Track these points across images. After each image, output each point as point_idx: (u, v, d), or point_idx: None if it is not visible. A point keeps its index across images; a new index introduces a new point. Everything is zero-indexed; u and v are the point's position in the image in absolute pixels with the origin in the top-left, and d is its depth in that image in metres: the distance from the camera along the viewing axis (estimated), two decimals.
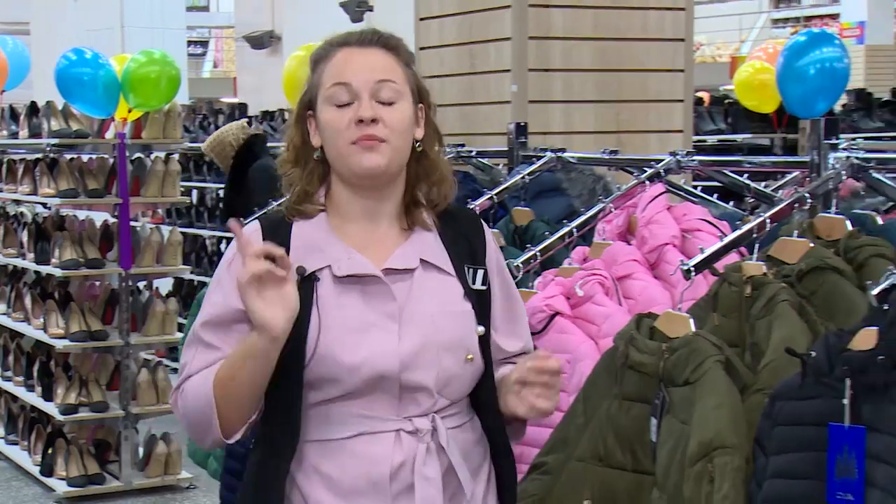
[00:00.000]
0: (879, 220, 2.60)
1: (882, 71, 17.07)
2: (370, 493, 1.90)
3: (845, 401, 1.90)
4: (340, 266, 1.92)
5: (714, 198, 3.43)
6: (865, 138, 6.40)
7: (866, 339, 1.93)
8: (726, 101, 9.10)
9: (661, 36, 4.57)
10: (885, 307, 1.95)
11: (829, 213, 2.54)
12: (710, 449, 2.11)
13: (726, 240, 2.55)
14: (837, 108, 7.17)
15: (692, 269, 2.43)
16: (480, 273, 2.04)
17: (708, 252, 2.49)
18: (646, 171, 3.12)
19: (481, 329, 2.00)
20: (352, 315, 1.91)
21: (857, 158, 2.61)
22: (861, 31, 18.01)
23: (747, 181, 3.19)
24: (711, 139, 8.08)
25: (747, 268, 2.36)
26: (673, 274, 2.67)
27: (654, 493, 2.23)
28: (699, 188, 3.63)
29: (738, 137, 8.15)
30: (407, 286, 1.96)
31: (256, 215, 2.13)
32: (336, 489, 1.91)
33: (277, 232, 1.95)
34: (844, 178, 2.60)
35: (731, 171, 3.32)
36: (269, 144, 6.09)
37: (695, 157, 3.30)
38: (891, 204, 2.77)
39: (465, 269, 2.03)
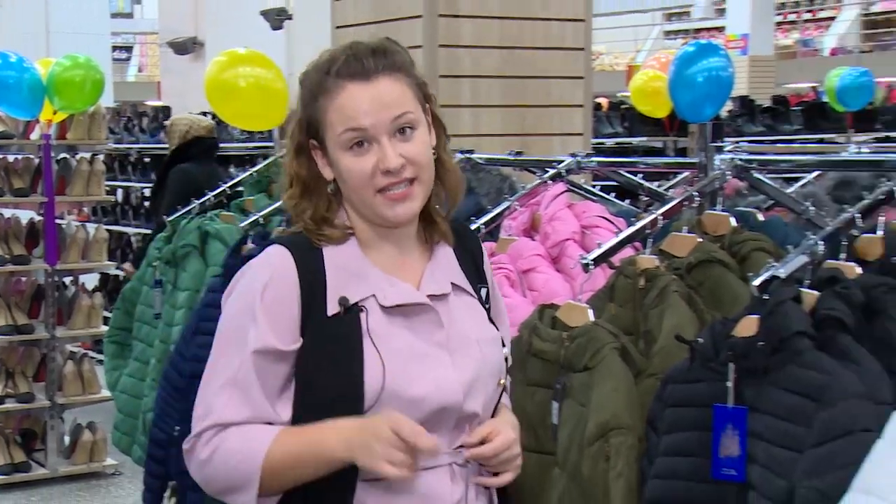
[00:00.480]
0: (760, 217, 2.61)
1: (763, 79, 17.48)
2: None
3: (729, 383, 1.90)
4: (387, 295, 1.72)
5: (611, 196, 3.43)
6: (748, 141, 6.54)
7: (748, 326, 1.93)
8: (623, 106, 9.20)
9: (562, 45, 4.59)
10: (765, 297, 1.96)
11: (715, 210, 2.54)
12: (606, 430, 2.10)
13: (622, 235, 2.54)
14: (723, 113, 7.27)
15: (591, 262, 2.42)
16: (484, 291, 1.89)
17: (605, 247, 2.48)
18: (548, 172, 3.11)
19: (507, 351, 1.85)
20: (405, 347, 1.71)
21: (740, 160, 2.62)
22: (745, 43, 18.36)
23: (641, 181, 3.20)
24: (609, 142, 8.16)
25: (641, 261, 2.36)
26: (573, 267, 2.65)
27: (555, 472, 2.22)
28: (598, 187, 3.63)
29: (634, 140, 8.24)
30: (447, 312, 1.77)
31: (277, 239, 1.83)
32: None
33: (309, 260, 1.72)
34: (729, 178, 2.60)
35: (627, 172, 3.32)
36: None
37: (593, 159, 3.30)
38: (771, 202, 2.80)
39: (478, 288, 1.87)
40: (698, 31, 23.43)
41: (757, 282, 2.00)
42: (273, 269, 1.70)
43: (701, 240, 2.39)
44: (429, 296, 1.75)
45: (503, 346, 1.84)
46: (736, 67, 3.27)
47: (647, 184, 3.17)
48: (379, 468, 1.61)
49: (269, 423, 1.69)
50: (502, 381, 1.82)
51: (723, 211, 2.51)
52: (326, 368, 1.68)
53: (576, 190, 3.25)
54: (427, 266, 1.80)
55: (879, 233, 2.02)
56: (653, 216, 2.51)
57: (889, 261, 1.97)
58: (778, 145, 5.49)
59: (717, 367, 1.94)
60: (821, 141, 7.39)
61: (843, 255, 2.03)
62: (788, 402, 1.84)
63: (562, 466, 2.19)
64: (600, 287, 2.42)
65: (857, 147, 2.99)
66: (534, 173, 3.31)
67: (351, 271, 1.72)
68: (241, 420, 1.66)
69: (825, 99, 8.71)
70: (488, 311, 1.86)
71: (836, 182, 3.15)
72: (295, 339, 1.68)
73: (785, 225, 2.57)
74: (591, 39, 4.72)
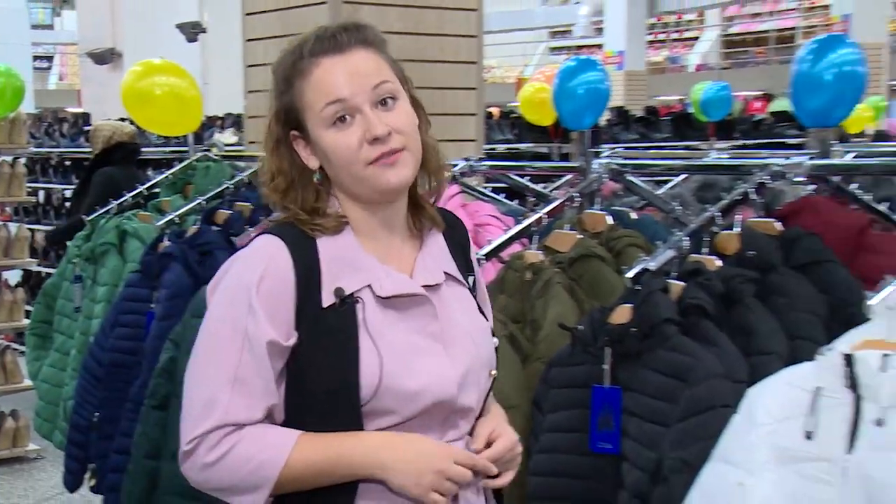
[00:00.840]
0: (634, 216, 2.62)
1: (637, 92, 17.73)
2: None
3: (606, 366, 1.90)
4: (383, 286, 1.52)
5: (501, 197, 3.43)
6: (624, 148, 6.61)
7: (622, 314, 1.94)
8: (512, 115, 9.22)
9: (456, 59, 4.57)
10: (637, 288, 1.96)
11: (593, 209, 2.54)
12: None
13: (511, 232, 2.53)
14: (601, 122, 7.36)
15: (483, 257, 2.40)
16: (472, 279, 1.68)
17: (496, 243, 2.48)
18: None
19: (496, 341, 1.66)
20: (401, 339, 1.51)
21: (616, 164, 2.63)
22: (621, 59, 18.59)
23: (528, 183, 3.21)
24: (500, 147, 8.15)
25: (528, 256, 2.35)
26: None
27: None
28: (489, 189, 3.63)
29: (523, 146, 8.26)
30: (440, 302, 1.57)
31: (268, 229, 1.57)
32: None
33: (304, 250, 1.51)
34: (606, 180, 2.60)
35: (516, 175, 3.33)
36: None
37: (485, 163, 3.30)
38: (643, 202, 2.81)
39: (466, 276, 1.66)
40: (580, 47, 23.47)
41: (630, 274, 2.01)
42: (268, 259, 1.50)
43: (581, 236, 2.39)
44: (423, 286, 1.56)
45: (493, 336, 1.65)
46: (612, 81, 3.29)
47: (533, 186, 3.18)
48: (424, 496, 1.46)
49: (274, 421, 1.51)
50: (493, 373, 1.62)
51: (600, 210, 2.51)
52: (322, 362, 1.49)
53: (469, 191, 3.24)
54: (419, 255, 1.60)
55: (736, 230, 2.03)
56: (538, 215, 2.50)
57: (745, 255, 1.98)
58: (649, 151, 5.54)
59: (595, 352, 1.93)
60: (687, 148, 7.50)
61: (705, 250, 2.05)
62: (657, 382, 1.85)
63: None
64: (491, 280, 2.39)
65: (717, 153, 3.01)
66: None
67: (346, 261, 1.52)
68: (251, 420, 1.47)
69: (691, 110, 8.87)
70: (476, 299, 1.67)
71: (700, 184, 3.20)
72: (290, 333, 1.49)
73: (655, 223, 2.58)
74: (483, 54, 4.70)
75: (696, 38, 23.98)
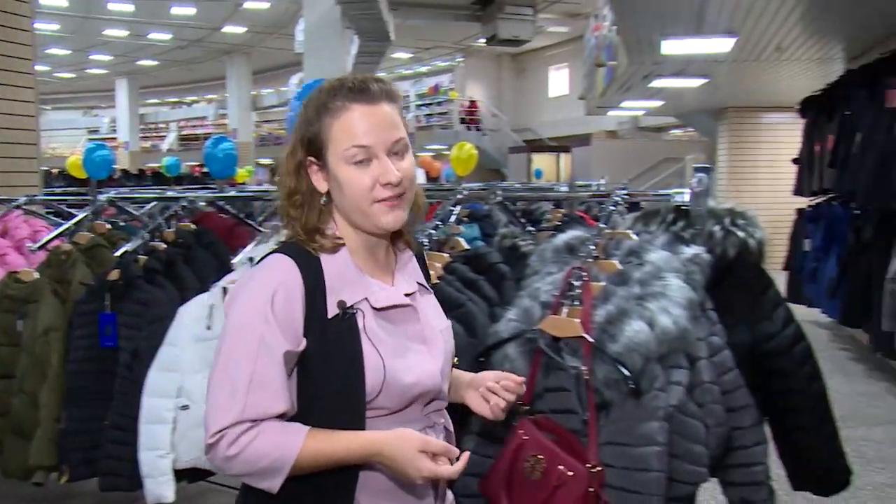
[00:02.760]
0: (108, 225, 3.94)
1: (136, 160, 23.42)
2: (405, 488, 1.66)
3: (107, 301, 3.22)
4: (378, 298, 1.67)
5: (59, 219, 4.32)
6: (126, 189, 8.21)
7: (114, 274, 3.29)
8: (64, 172, 10.56)
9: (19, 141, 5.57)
10: (122, 259, 3.37)
11: (101, 221, 3.84)
12: (48, 331, 3.26)
13: (53, 233, 3.72)
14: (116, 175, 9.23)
15: (36, 248, 3.61)
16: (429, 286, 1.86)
17: (45, 239, 3.68)
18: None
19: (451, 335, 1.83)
20: (394, 342, 1.66)
21: (112, 197, 3.97)
22: (126, 144, 24.33)
23: (68, 209, 4.38)
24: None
25: (63, 246, 3.57)
26: (34, 252, 3.81)
27: (23, 355, 3.33)
28: (46, 211, 4.59)
29: (71, 189, 8.70)
30: (418, 308, 1.74)
31: (277, 249, 1.69)
32: (371, 491, 1.65)
33: (310, 267, 1.63)
34: (106, 205, 3.91)
35: (64, 206, 4.45)
36: None
37: (43, 198, 4.49)
38: (132, 217, 4.09)
39: (429, 285, 1.85)
40: (104, 139, 30.70)
41: (118, 253, 3.41)
42: (281, 276, 1.61)
43: (92, 235, 3.72)
44: (405, 294, 1.72)
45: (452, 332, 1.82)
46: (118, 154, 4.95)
47: (75, 211, 4.35)
48: (411, 477, 1.59)
49: (286, 419, 1.61)
50: (455, 361, 1.83)
51: (105, 221, 3.89)
52: (330, 367, 1.61)
53: (30, 213, 4.29)
54: (396, 269, 1.75)
55: (173, 229, 3.74)
56: (74, 221, 3.76)
57: (178, 241, 3.64)
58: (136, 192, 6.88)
59: (100, 294, 3.19)
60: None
61: (158, 238, 3.57)
62: (135, 310, 3.17)
63: (27, 351, 3.37)
64: (42, 261, 3.53)
65: (176, 193, 4.60)
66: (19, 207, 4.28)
67: (345, 277, 1.65)
68: (266, 415, 1.56)
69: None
70: None
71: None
72: (300, 340, 1.60)
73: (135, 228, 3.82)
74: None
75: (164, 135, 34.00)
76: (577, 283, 2.26)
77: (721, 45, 7.97)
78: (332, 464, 1.58)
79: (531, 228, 3.44)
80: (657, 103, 13.60)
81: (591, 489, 2.01)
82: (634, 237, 2.44)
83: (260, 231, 3.48)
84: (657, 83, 10.60)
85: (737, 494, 2.33)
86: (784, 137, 12.91)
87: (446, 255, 2.69)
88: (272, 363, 1.56)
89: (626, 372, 2.07)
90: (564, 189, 4.60)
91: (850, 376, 7.16)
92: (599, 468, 2.03)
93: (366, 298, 1.65)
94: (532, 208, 4.55)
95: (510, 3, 15.21)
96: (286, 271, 1.61)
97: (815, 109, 8.35)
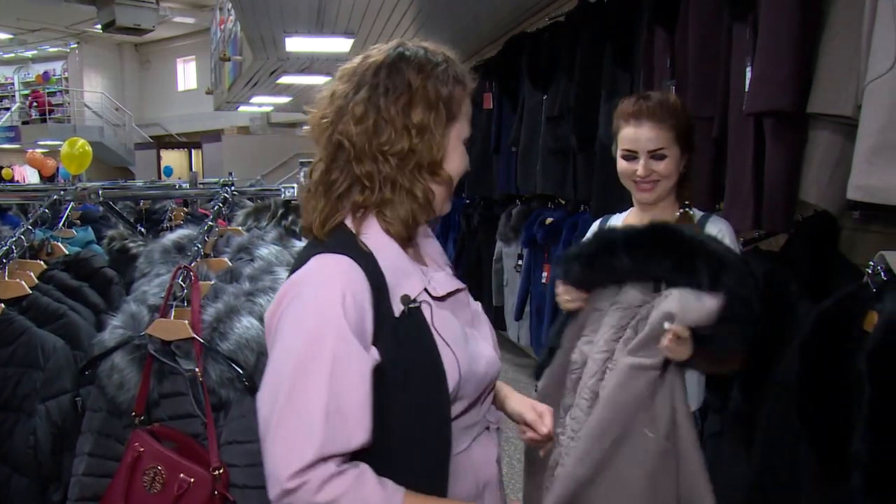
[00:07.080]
0: None
1: None
2: (477, 493, 1.53)
3: None
4: (436, 287, 1.49)
5: None
6: None
7: None
8: None
9: None
10: None
11: None
12: None
13: None
14: None
15: None
16: None
17: None
18: None
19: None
20: (458, 332, 1.48)
21: None
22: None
23: None
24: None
25: None
26: None
27: None
28: None
29: None
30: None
31: (322, 250, 1.43)
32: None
33: (369, 264, 1.42)
34: None
35: None
36: None
37: None
38: None
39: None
40: None
41: None
42: (345, 278, 1.38)
43: None
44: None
45: None
46: None
47: None
48: None
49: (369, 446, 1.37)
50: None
51: None
52: (409, 375, 1.40)
53: None
54: (428, 255, 1.61)
55: None
56: None
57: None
58: None
59: None
60: None
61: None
62: None
63: None
64: None
65: None
66: None
67: (400, 269, 1.45)
68: (349, 448, 1.33)
69: None
70: None
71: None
72: (371, 349, 1.39)
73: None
74: None
75: None
76: (184, 284, 2.22)
77: (341, 44, 8.21)
78: None
79: (142, 229, 3.33)
80: (286, 99, 13.73)
81: (216, 492, 1.99)
82: (245, 233, 2.45)
83: None
84: (285, 79, 10.69)
85: None
86: None
87: (41, 262, 2.53)
88: (350, 385, 1.33)
89: (238, 369, 2.06)
90: (186, 187, 4.51)
91: None
92: (222, 469, 2.02)
93: (424, 289, 1.47)
94: (156, 207, 4.45)
95: None
96: (346, 271, 1.39)
97: None
